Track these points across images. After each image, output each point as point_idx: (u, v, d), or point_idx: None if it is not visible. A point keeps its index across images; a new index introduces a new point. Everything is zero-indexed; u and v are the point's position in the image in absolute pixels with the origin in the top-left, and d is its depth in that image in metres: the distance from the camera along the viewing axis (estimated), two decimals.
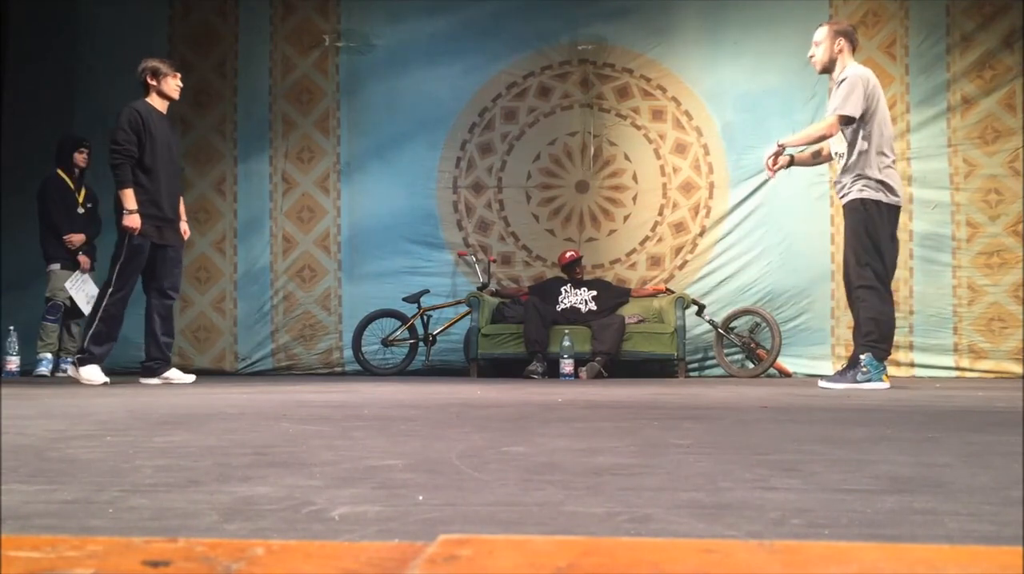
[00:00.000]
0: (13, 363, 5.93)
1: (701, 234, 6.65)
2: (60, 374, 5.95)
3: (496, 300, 6.41)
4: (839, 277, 5.51)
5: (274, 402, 2.97)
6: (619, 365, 5.91)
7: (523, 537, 0.80)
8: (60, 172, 6.02)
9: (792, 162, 4.47)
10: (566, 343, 5.61)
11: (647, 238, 6.72)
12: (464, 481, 1.15)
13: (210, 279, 7.02)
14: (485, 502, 1.00)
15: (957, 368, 6.21)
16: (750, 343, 6.13)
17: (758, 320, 6.13)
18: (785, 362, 6.22)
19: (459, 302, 6.52)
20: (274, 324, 6.93)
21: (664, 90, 6.77)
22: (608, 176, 6.80)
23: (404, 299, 6.53)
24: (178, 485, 1.12)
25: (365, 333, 6.48)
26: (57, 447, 1.55)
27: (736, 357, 6.29)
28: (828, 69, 4.32)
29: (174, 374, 4.78)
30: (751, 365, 6.18)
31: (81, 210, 6.04)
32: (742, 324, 6.23)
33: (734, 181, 6.62)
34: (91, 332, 4.54)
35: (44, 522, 0.89)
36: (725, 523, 0.87)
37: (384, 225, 6.86)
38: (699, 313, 6.19)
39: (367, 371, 6.41)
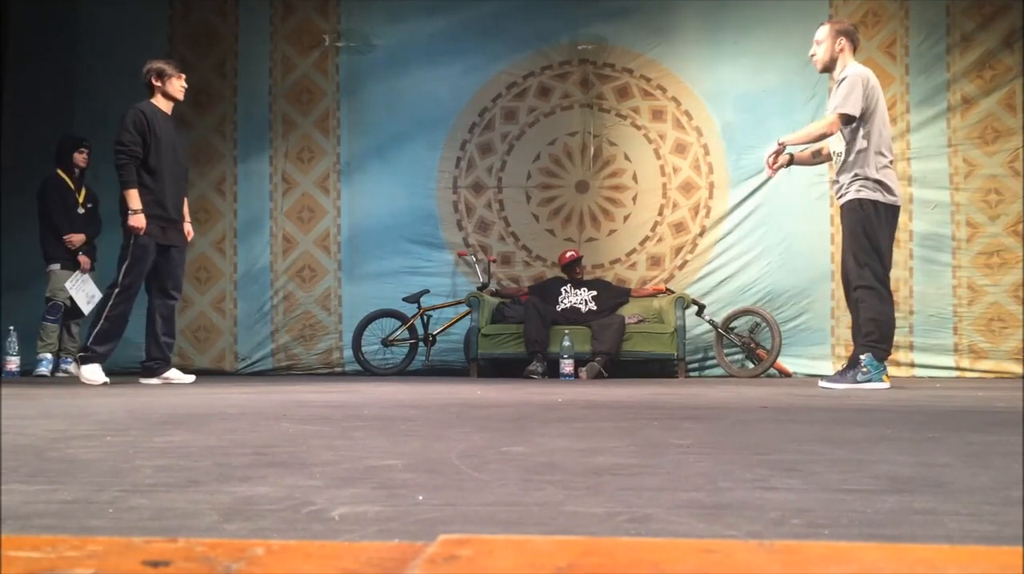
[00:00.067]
0: (13, 363, 5.93)
1: (701, 234, 6.65)
2: (60, 374, 5.95)
3: (496, 300, 6.41)
4: (839, 277, 5.52)
5: (274, 402, 2.97)
6: (619, 365, 5.91)
7: (523, 537, 0.80)
8: (60, 172, 6.02)
9: (792, 161, 4.47)
10: (566, 343, 5.61)
11: (647, 238, 6.72)
12: (464, 481, 1.15)
13: (210, 279, 7.02)
14: (485, 502, 1.00)
15: (957, 368, 6.21)
16: (750, 343, 6.13)
17: (758, 320, 6.13)
18: (785, 362, 6.22)
19: (459, 302, 6.52)
20: (274, 324, 6.93)
21: (664, 90, 6.77)
22: (608, 176, 6.80)
23: (404, 299, 6.53)
24: (178, 485, 1.12)
25: (365, 333, 6.48)
26: (57, 447, 1.55)
27: (736, 357, 6.29)
28: (829, 68, 4.32)
29: (174, 374, 4.78)
30: (751, 365, 6.18)
31: (81, 210, 6.04)
32: (742, 324, 6.23)
33: (734, 181, 6.62)
34: (96, 331, 4.54)
35: (44, 522, 0.89)
36: (725, 523, 0.87)
37: (384, 225, 6.86)
38: (699, 313, 6.19)
39: (367, 371, 6.41)
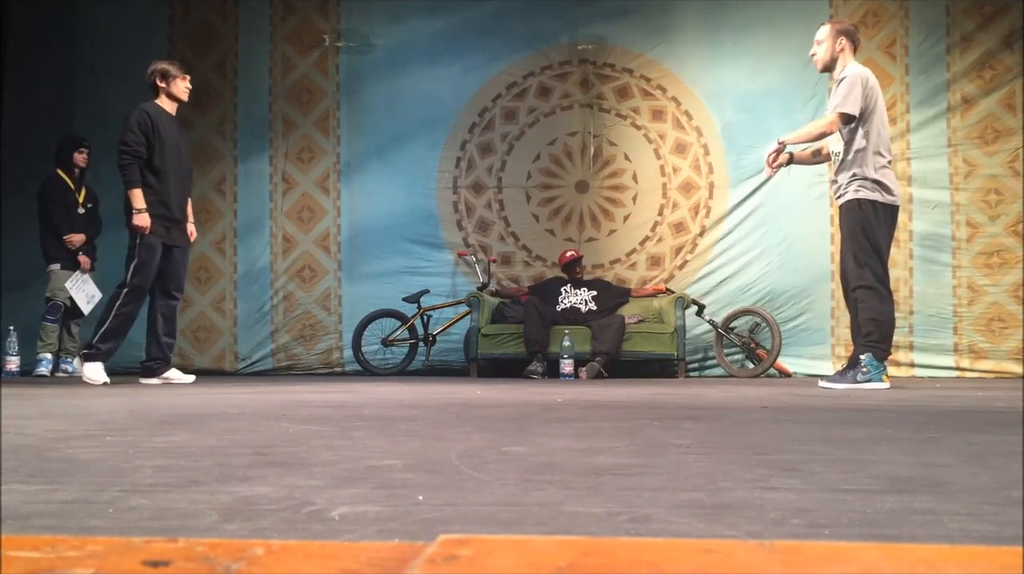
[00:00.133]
0: (13, 363, 5.93)
1: (701, 234, 6.65)
2: (60, 374, 5.96)
3: (496, 300, 6.41)
4: (839, 277, 5.52)
5: (274, 402, 2.97)
6: (619, 365, 5.91)
7: (523, 537, 0.80)
8: (60, 172, 6.02)
9: (792, 160, 4.48)
10: (566, 343, 5.61)
11: (647, 238, 6.73)
12: (464, 481, 1.15)
13: (210, 279, 7.02)
14: (485, 502, 1.00)
15: (957, 368, 6.21)
16: (750, 343, 6.13)
17: (758, 320, 6.13)
18: (785, 362, 6.22)
19: (459, 302, 6.52)
20: (274, 324, 6.93)
21: (664, 90, 6.77)
22: (608, 176, 6.80)
23: (404, 299, 6.53)
24: (178, 485, 1.12)
25: (365, 333, 6.48)
26: (57, 447, 1.55)
27: (736, 357, 6.29)
28: (829, 68, 4.33)
29: (174, 374, 4.78)
30: (751, 365, 6.18)
31: (81, 210, 6.04)
32: (742, 324, 6.23)
33: (734, 181, 6.62)
34: (102, 329, 4.54)
35: (44, 522, 0.89)
36: (725, 523, 0.87)
37: (384, 225, 6.86)
38: (699, 313, 6.19)
39: (367, 371, 6.41)
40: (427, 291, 6.60)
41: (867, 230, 4.10)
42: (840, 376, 4.21)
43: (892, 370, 5.19)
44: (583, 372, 5.65)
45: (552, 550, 0.71)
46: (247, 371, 6.87)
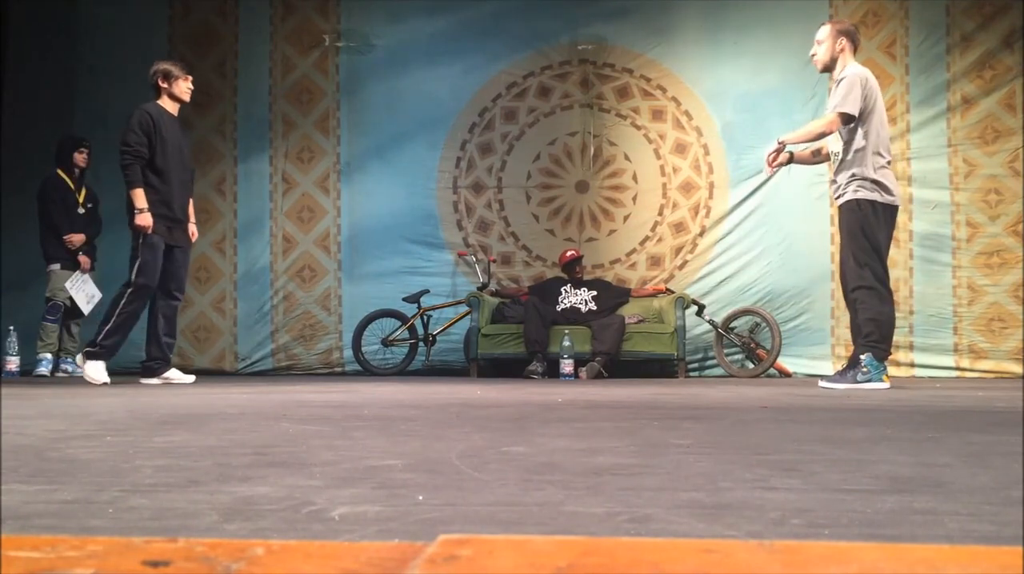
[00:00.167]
0: (13, 363, 5.93)
1: (701, 234, 6.65)
2: (60, 374, 5.96)
3: (496, 300, 6.41)
4: (839, 277, 5.53)
5: (274, 402, 2.97)
6: (619, 365, 5.91)
7: (523, 537, 0.80)
8: (60, 172, 6.02)
9: (792, 159, 4.48)
10: (566, 343, 5.61)
11: (647, 238, 6.73)
12: (464, 481, 1.15)
13: (210, 279, 7.02)
14: (485, 502, 1.00)
15: (957, 368, 6.21)
16: (750, 343, 6.13)
17: (758, 320, 6.13)
18: (785, 362, 6.22)
19: (459, 302, 6.52)
20: (274, 324, 6.93)
21: (664, 90, 6.77)
22: (608, 176, 6.80)
23: (404, 299, 6.53)
24: (178, 485, 1.12)
25: (365, 333, 6.48)
26: (57, 447, 1.55)
27: (736, 357, 6.29)
28: (829, 68, 4.33)
29: (174, 374, 4.78)
30: (751, 365, 6.18)
31: (81, 210, 6.04)
32: (742, 324, 6.23)
33: (734, 181, 6.62)
34: (107, 327, 4.54)
35: (44, 522, 0.89)
36: (725, 523, 0.87)
37: (384, 225, 6.87)
38: (699, 313, 6.19)
39: (367, 371, 6.41)
40: (427, 291, 6.60)
41: (866, 230, 4.10)
42: (840, 376, 4.21)
43: (892, 370, 5.19)
44: (583, 372, 5.65)
45: (552, 550, 0.71)
46: (247, 371, 6.87)
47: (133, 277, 4.55)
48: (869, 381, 4.03)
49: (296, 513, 0.92)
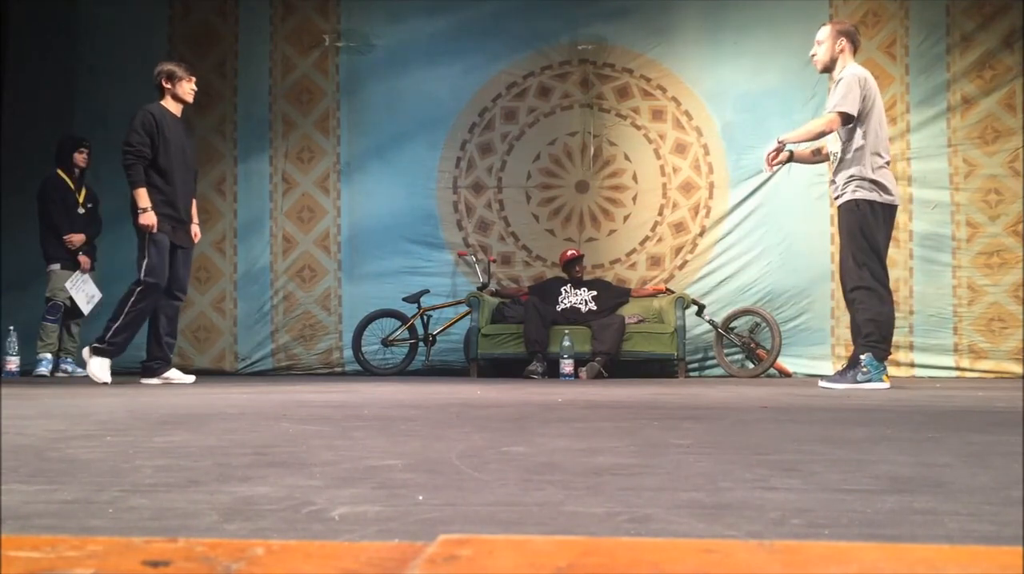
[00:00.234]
0: (13, 363, 5.93)
1: (701, 234, 6.65)
2: (60, 374, 5.96)
3: (496, 300, 6.41)
4: (839, 277, 5.53)
5: (274, 402, 2.97)
6: (619, 365, 5.91)
7: (523, 537, 0.80)
8: (60, 172, 6.03)
9: (792, 158, 4.48)
10: (566, 343, 5.61)
11: (647, 238, 6.73)
12: (464, 481, 1.15)
13: (210, 279, 7.02)
14: (485, 502, 1.00)
15: (957, 368, 6.21)
16: (750, 343, 6.13)
17: (758, 320, 6.13)
18: (785, 362, 6.22)
19: (459, 302, 6.52)
20: (274, 324, 6.93)
21: (664, 90, 6.77)
22: (608, 176, 6.80)
23: (404, 299, 6.53)
24: (178, 485, 1.12)
25: (365, 333, 6.48)
26: (57, 447, 1.55)
27: (736, 357, 6.29)
28: (829, 68, 4.33)
29: (174, 374, 4.78)
30: (751, 365, 6.18)
31: (81, 210, 6.04)
32: (742, 324, 6.23)
33: (734, 181, 6.62)
34: (116, 325, 4.53)
35: (44, 522, 0.89)
36: (725, 523, 0.87)
37: (384, 225, 6.87)
38: (699, 313, 6.19)
39: (367, 371, 6.41)
40: (427, 291, 6.60)
41: (865, 230, 4.10)
42: (840, 376, 4.21)
43: (892, 370, 5.19)
44: (583, 372, 5.65)
45: (552, 550, 0.71)
46: (247, 371, 6.87)
47: (143, 275, 4.55)
48: (869, 381, 4.03)
49: (296, 513, 0.92)
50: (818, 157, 4.60)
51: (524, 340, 5.86)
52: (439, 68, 6.91)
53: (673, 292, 6.25)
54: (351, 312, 6.78)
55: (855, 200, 4.12)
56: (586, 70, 6.85)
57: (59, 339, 6.02)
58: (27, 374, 5.91)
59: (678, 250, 6.68)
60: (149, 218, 4.51)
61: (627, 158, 6.79)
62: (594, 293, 6.24)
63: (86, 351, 4.62)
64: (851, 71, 4.18)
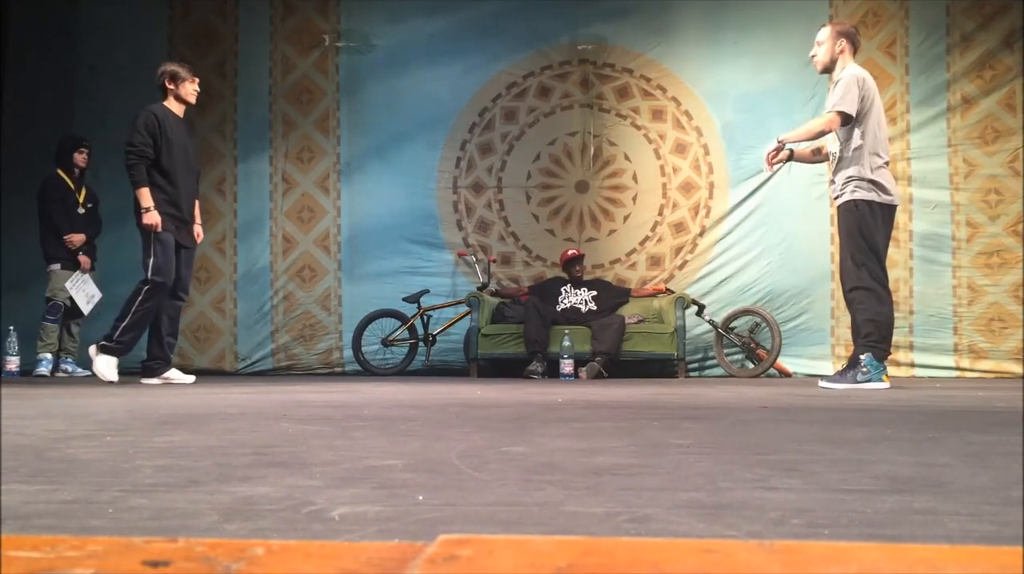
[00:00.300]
0: (13, 363, 5.93)
1: (701, 234, 6.65)
2: (60, 374, 5.96)
3: (496, 300, 6.41)
4: (840, 277, 5.53)
5: (274, 402, 2.97)
6: (619, 365, 5.91)
7: (523, 537, 0.80)
8: (60, 172, 6.02)
9: (792, 157, 4.49)
10: (566, 343, 5.61)
11: (647, 238, 6.73)
12: (464, 481, 1.15)
13: (210, 279, 7.02)
14: (485, 502, 1.00)
15: (957, 368, 6.21)
16: (750, 343, 6.13)
17: (758, 320, 6.13)
18: (785, 362, 6.22)
19: (459, 302, 6.52)
20: (274, 324, 6.93)
21: (664, 90, 6.77)
22: (608, 176, 6.80)
23: (404, 299, 6.53)
24: (178, 485, 1.12)
25: (365, 333, 6.48)
26: (57, 447, 1.55)
27: (736, 357, 6.29)
28: (829, 69, 4.34)
29: (174, 374, 4.78)
30: (751, 365, 6.18)
31: (81, 210, 6.04)
32: (742, 324, 6.23)
33: (734, 181, 6.62)
34: (123, 324, 4.53)
35: (44, 522, 0.89)
36: (725, 523, 0.87)
37: (384, 225, 6.86)
38: (699, 313, 6.19)
39: (367, 371, 6.41)
40: (427, 291, 6.60)
41: (864, 231, 4.11)
42: (840, 376, 4.21)
43: (892, 370, 5.20)
44: (583, 372, 5.65)
45: (552, 550, 0.71)
46: (247, 371, 6.87)
47: (150, 274, 4.55)
48: (869, 381, 4.03)
49: (296, 513, 0.92)
50: (818, 156, 4.60)
51: (524, 340, 5.86)
52: (439, 68, 6.91)
53: (673, 292, 6.25)
54: (351, 312, 6.78)
55: (854, 200, 4.12)
56: (586, 70, 6.85)
57: (59, 339, 6.02)
58: (27, 374, 5.91)
59: (678, 250, 6.68)
60: (152, 217, 4.51)
61: (627, 158, 6.79)
62: (594, 293, 6.24)
63: (92, 349, 4.62)
64: (850, 71, 4.19)
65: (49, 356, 5.91)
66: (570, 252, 6.39)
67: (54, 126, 6.72)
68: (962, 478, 1.18)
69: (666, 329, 5.93)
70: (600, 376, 5.67)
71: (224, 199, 7.06)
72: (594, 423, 2.12)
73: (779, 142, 4.33)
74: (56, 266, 5.94)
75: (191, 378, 4.86)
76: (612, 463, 1.33)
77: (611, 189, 6.79)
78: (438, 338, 6.54)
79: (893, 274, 5.32)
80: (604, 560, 0.67)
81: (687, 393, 3.71)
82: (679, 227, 6.69)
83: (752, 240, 6.53)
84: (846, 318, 4.62)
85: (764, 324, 6.07)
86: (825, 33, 4.31)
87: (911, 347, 6.29)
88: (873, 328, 4.06)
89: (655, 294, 6.35)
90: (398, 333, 6.47)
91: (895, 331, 4.32)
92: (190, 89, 4.77)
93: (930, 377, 6.09)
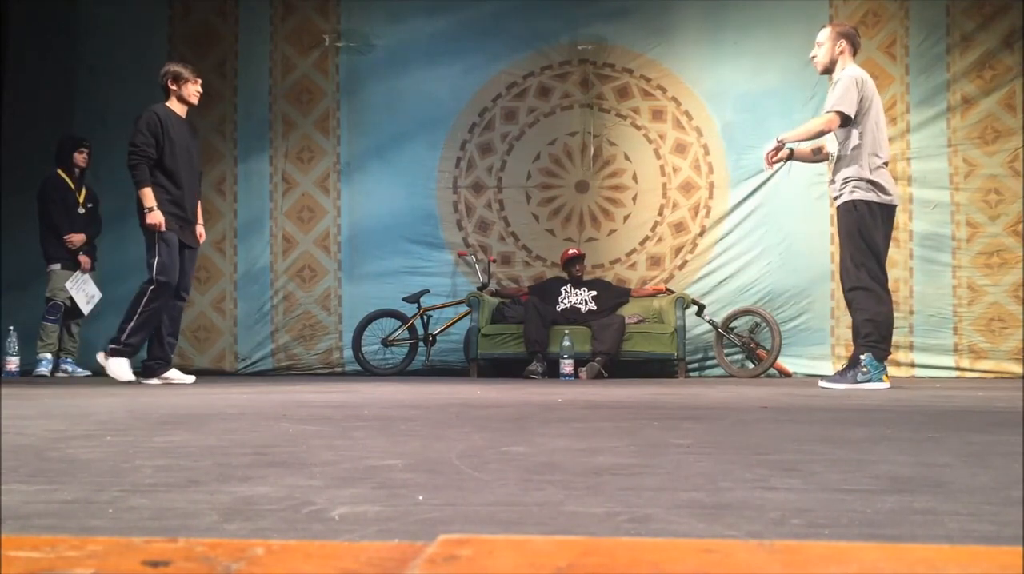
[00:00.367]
0: (13, 363, 5.93)
1: (701, 234, 6.65)
2: (60, 374, 5.96)
3: (496, 300, 6.41)
4: (840, 277, 5.53)
5: (274, 402, 2.97)
6: (619, 365, 5.91)
7: (523, 537, 0.80)
8: (60, 172, 6.02)
9: (792, 156, 4.49)
10: (566, 343, 5.61)
11: (647, 238, 6.72)
12: (464, 481, 1.15)
13: (210, 279, 7.02)
14: (485, 502, 1.00)
15: (957, 368, 6.21)
16: (750, 343, 6.13)
17: (758, 320, 6.13)
18: (785, 362, 6.22)
19: (459, 302, 6.52)
20: (274, 324, 6.93)
21: (664, 90, 6.77)
22: (608, 176, 6.80)
23: (404, 299, 6.53)
24: (178, 485, 1.12)
25: (365, 333, 6.48)
26: (57, 447, 1.55)
27: (736, 357, 6.29)
28: (829, 70, 4.34)
29: (174, 374, 4.78)
30: (751, 365, 6.18)
31: (81, 210, 6.04)
32: (742, 324, 6.23)
33: (734, 181, 6.62)
34: (130, 326, 4.52)
35: (44, 522, 0.89)
36: (725, 523, 0.87)
37: (384, 225, 6.86)
38: (699, 313, 6.19)
39: (367, 371, 6.41)
40: (427, 291, 6.60)
41: (863, 231, 4.11)
42: (840, 376, 4.21)
43: (892, 370, 5.19)
44: (583, 372, 5.65)
45: (552, 550, 0.71)
46: (247, 371, 6.87)
47: (155, 274, 4.54)
48: (869, 381, 4.03)
49: (296, 513, 0.92)
50: (819, 156, 4.61)
51: (524, 340, 5.86)
52: (439, 68, 6.91)
53: (673, 292, 6.25)
54: (351, 312, 6.78)
55: (853, 201, 4.13)
56: (586, 70, 6.85)
57: (59, 339, 6.02)
58: (27, 374, 5.91)
59: (678, 250, 6.68)
60: (156, 217, 4.51)
61: (627, 158, 6.79)
62: (594, 293, 6.24)
63: (101, 355, 4.61)
64: (849, 72, 4.20)
65: (49, 356, 5.91)
66: (570, 252, 6.39)
67: (54, 126, 6.72)
68: (962, 478, 1.18)
69: (666, 329, 5.93)
70: (600, 376, 5.67)
71: (224, 199, 7.06)
72: (594, 423, 2.12)
73: (779, 141, 4.34)
74: (56, 266, 5.94)
75: (191, 378, 4.86)
76: (612, 463, 1.33)
77: (611, 189, 6.79)
78: (438, 338, 6.54)
79: (893, 274, 5.32)
80: (604, 560, 0.67)
81: (687, 393, 3.71)
82: (679, 227, 6.69)
83: (752, 240, 6.53)
84: (846, 318, 4.62)
85: (764, 324, 6.07)
86: (825, 34, 4.32)
87: (911, 347, 6.29)
88: (873, 328, 4.06)
89: (655, 294, 6.35)
90: (398, 333, 6.47)
91: (895, 331, 4.32)
92: (193, 90, 4.77)
93: (930, 377, 6.08)
